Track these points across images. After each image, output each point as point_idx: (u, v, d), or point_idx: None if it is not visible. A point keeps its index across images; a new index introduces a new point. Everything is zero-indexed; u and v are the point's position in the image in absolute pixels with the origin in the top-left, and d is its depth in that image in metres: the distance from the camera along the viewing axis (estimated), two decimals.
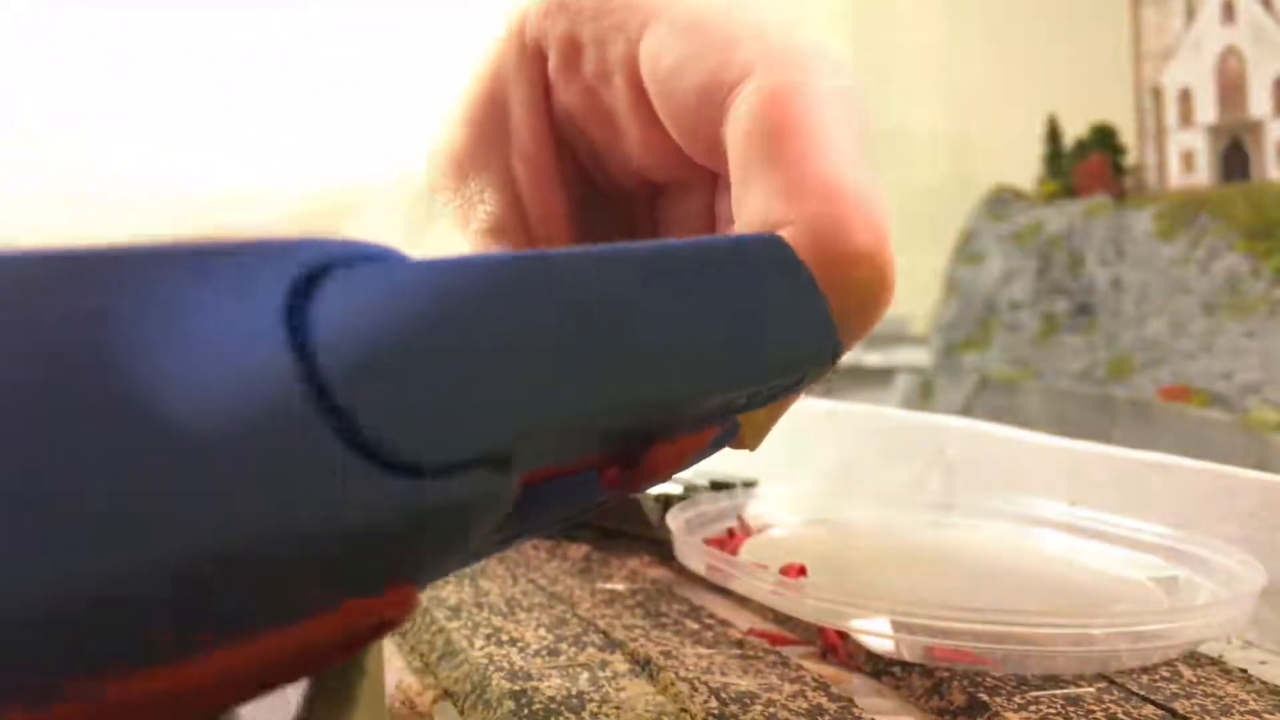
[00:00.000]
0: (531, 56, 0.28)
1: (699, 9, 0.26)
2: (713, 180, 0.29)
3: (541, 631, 0.45)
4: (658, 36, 0.26)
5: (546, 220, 0.29)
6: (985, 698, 0.37)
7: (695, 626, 0.46)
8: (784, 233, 0.23)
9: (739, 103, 0.24)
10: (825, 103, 0.24)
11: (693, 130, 0.26)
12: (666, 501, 0.60)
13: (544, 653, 0.42)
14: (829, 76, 0.24)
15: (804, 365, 0.25)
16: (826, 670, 0.42)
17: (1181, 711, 0.36)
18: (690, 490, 0.66)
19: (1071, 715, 0.36)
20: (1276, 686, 0.39)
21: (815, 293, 0.23)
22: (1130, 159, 4.64)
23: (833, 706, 0.37)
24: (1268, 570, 0.43)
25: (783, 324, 0.23)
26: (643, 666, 0.41)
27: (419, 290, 0.15)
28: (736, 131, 0.24)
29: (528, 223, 0.29)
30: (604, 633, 0.45)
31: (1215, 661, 0.41)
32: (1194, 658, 0.41)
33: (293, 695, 0.20)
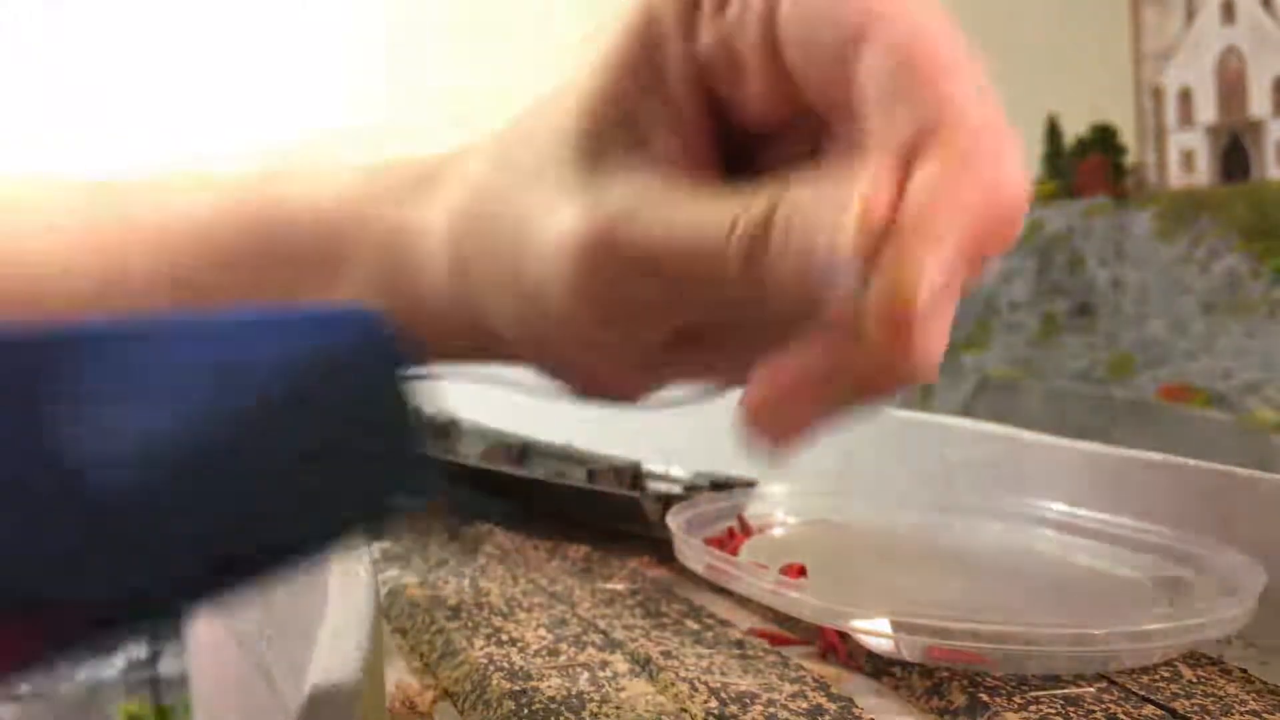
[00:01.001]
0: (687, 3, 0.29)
1: None
2: (815, 133, 0.30)
3: (541, 631, 0.45)
4: None
5: (691, 165, 0.30)
6: (985, 698, 0.37)
7: (695, 626, 0.46)
8: (933, 160, 0.24)
9: (878, 38, 0.25)
10: (958, 42, 0.26)
11: (822, 69, 0.26)
12: (666, 501, 0.60)
13: (544, 653, 0.42)
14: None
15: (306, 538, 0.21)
16: (826, 670, 0.42)
17: (1181, 711, 0.36)
18: (690, 490, 0.66)
19: (1071, 715, 0.36)
20: (1276, 686, 0.39)
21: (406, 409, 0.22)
22: (1130, 159, 4.64)
23: (833, 706, 0.37)
24: (1268, 570, 0.43)
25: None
26: (643, 666, 0.41)
27: None
28: (879, 65, 0.25)
29: (680, 158, 0.30)
30: (604, 633, 0.45)
31: (1215, 661, 0.41)
32: (1194, 658, 0.41)
33: (291, 698, 0.20)
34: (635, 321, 0.30)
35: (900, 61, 0.25)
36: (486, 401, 1.19)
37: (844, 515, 0.58)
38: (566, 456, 0.83)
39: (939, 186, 0.24)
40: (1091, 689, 0.38)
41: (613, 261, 0.28)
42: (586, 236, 0.28)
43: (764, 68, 0.28)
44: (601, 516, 0.64)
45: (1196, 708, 0.36)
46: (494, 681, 0.39)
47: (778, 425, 0.30)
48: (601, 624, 0.46)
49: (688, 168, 0.29)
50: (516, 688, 0.38)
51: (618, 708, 0.37)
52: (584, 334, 0.30)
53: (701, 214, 0.27)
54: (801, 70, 0.27)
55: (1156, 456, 0.55)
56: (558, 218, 0.29)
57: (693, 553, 0.47)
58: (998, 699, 0.37)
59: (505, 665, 0.41)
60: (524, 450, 0.87)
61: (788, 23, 0.27)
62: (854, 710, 0.37)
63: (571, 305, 0.29)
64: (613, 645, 0.43)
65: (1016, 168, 0.25)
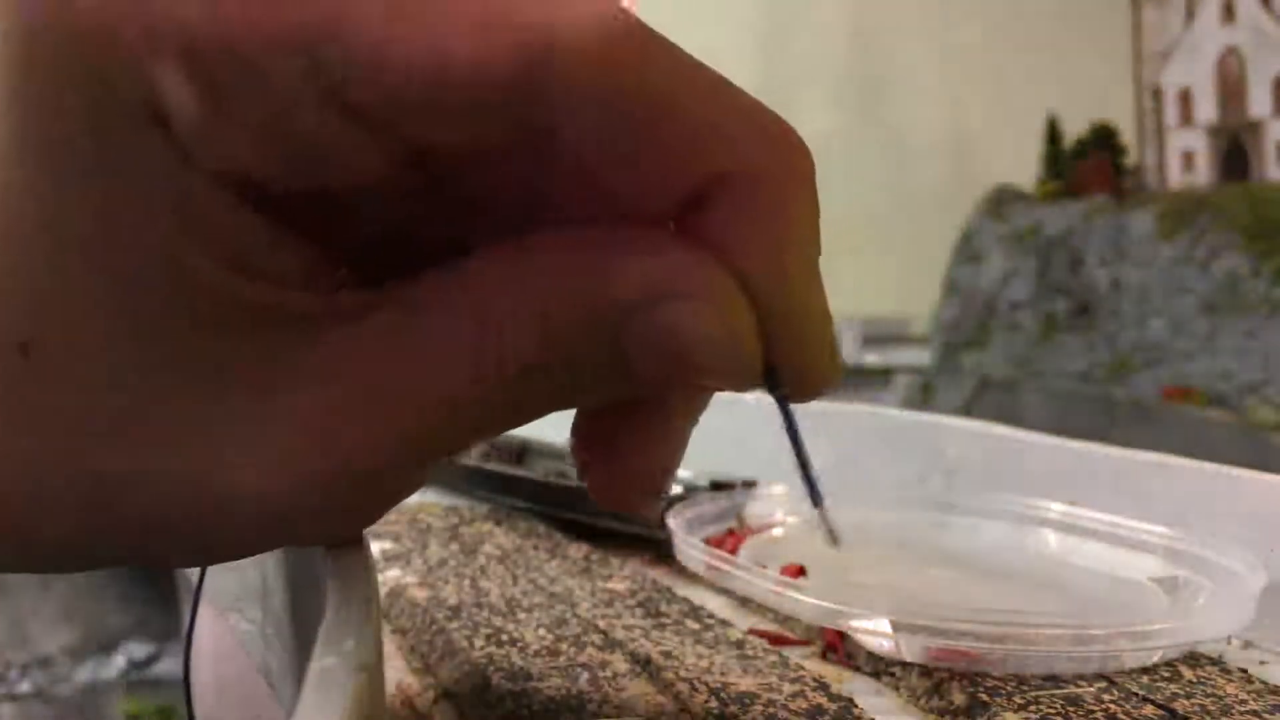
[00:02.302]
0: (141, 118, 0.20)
1: None
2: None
3: (541, 631, 0.45)
4: None
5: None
6: (985, 698, 0.37)
7: (695, 626, 0.46)
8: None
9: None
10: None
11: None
12: (667, 502, 0.60)
13: (544, 653, 0.42)
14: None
15: None
16: (826, 670, 0.42)
17: (1181, 711, 0.36)
18: (690, 490, 0.66)
19: (1071, 715, 0.36)
20: (1276, 686, 0.39)
21: None
22: (1130, 159, 4.64)
23: (833, 706, 0.37)
24: (1268, 570, 0.43)
25: None
26: (643, 666, 0.41)
27: None
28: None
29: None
30: (604, 633, 0.45)
31: (1215, 661, 0.41)
32: (1194, 658, 0.41)
33: (291, 698, 0.20)
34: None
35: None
36: None
37: (844, 515, 0.58)
38: (566, 456, 0.83)
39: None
40: (1091, 689, 0.38)
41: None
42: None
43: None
44: (601, 516, 0.64)
45: (1196, 708, 0.36)
46: (494, 681, 0.39)
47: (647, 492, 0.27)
48: (601, 624, 0.46)
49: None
50: (516, 688, 0.38)
51: (618, 708, 0.37)
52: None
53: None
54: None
55: (1156, 456, 0.55)
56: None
57: (693, 553, 0.47)
58: (998, 699, 0.37)
59: (505, 665, 0.41)
60: (524, 450, 0.87)
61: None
62: (854, 710, 0.37)
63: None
64: (613, 645, 0.43)
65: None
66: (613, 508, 0.26)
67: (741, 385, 0.22)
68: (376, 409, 0.22)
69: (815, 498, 0.23)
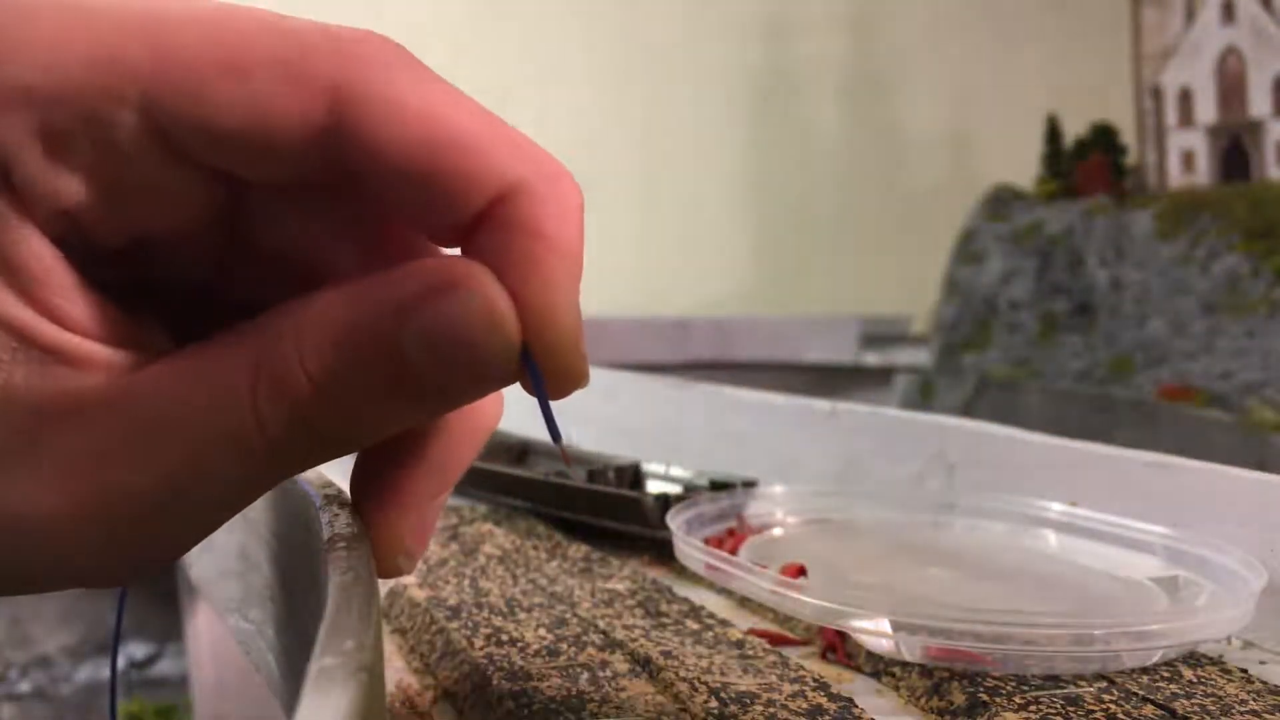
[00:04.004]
0: None
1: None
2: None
3: (541, 631, 0.45)
4: None
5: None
6: (985, 698, 0.37)
7: (695, 626, 0.46)
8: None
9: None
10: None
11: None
12: (666, 501, 0.60)
13: (544, 653, 0.42)
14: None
15: None
16: (826, 670, 0.42)
17: (1181, 711, 0.36)
18: (690, 490, 0.66)
19: (1071, 715, 0.36)
20: (1276, 686, 0.39)
21: None
22: (1130, 159, 4.64)
23: (833, 706, 0.37)
24: (1268, 570, 0.43)
25: None
26: (643, 666, 0.41)
27: None
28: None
29: None
30: (604, 633, 0.45)
31: (1215, 661, 0.41)
32: (1194, 658, 0.41)
33: (291, 698, 0.21)
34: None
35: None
36: None
37: (844, 515, 0.59)
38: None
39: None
40: (1091, 689, 0.38)
41: None
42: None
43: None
44: (601, 516, 0.64)
45: (1196, 708, 0.36)
46: (494, 681, 0.39)
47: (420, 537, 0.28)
48: (601, 624, 0.46)
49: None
50: (516, 688, 0.38)
51: (618, 708, 0.37)
52: None
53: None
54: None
55: (1156, 456, 0.55)
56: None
57: (693, 553, 0.47)
58: (998, 699, 0.37)
59: (505, 665, 0.41)
60: (524, 450, 0.87)
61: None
62: (854, 710, 0.37)
63: None
64: (613, 645, 0.43)
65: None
66: (380, 570, 0.28)
67: (502, 377, 0.24)
68: (146, 449, 0.23)
69: (554, 435, 0.25)
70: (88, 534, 0.24)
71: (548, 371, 0.24)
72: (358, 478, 0.28)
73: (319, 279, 0.25)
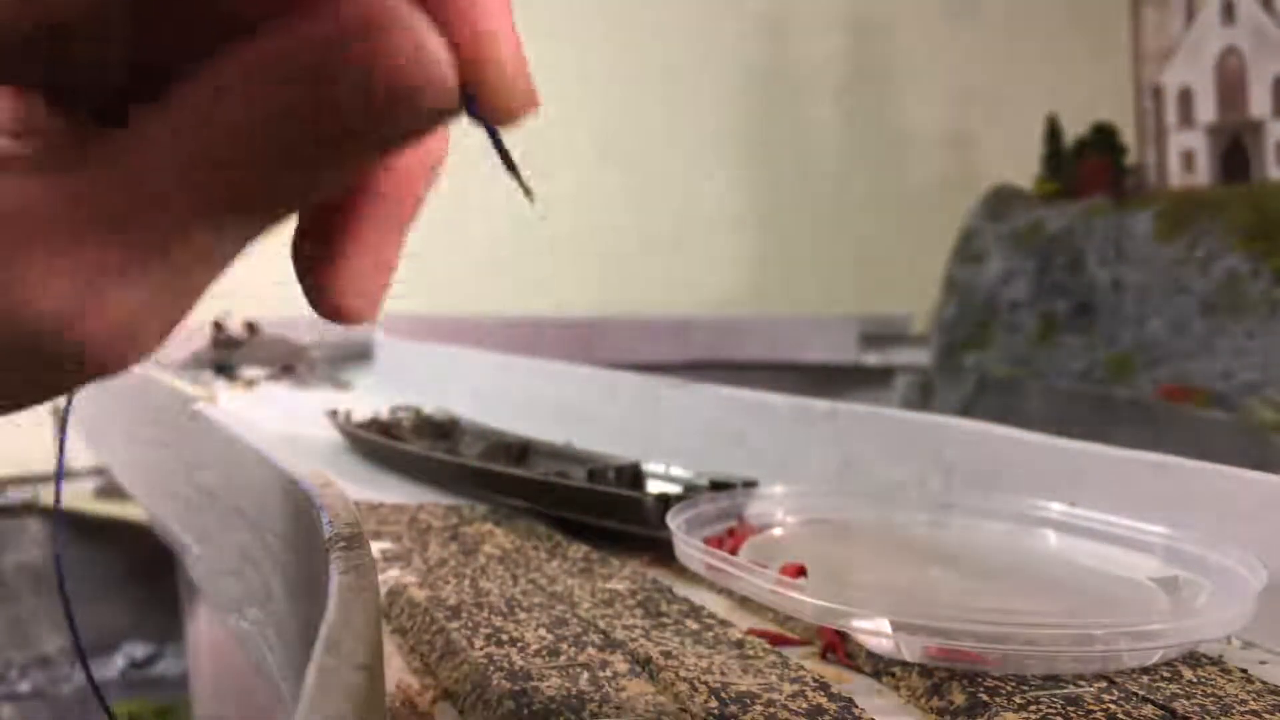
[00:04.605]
0: None
1: None
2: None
3: (541, 631, 0.45)
4: None
5: None
6: (985, 698, 0.37)
7: (695, 626, 0.46)
8: None
9: None
10: None
11: None
12: (666, 501, 0.60)
13: (544, 653, 0.42)
14: None
15: None
16: (826, 670, 0.42)
17: (1181, 711, 0.36)
18: (690, 490, 0.66)
19: (1071, 715, 0.36)
20: (1276, 686, 0.39)
21: None
22: (1130, 159, 4.65)
23: (833, 706, 0.37)
24: (1268, 570, 0.43)
25: None
26: (643, 666, 0.41)
27: None
28: None
29: None
30: (604, 633, 0.45)
31: (1215, 661, 0.41)
32: (1194, 658, 0.41)
33: (291, 698, 0.20)
34: None
35: None
36: (487, 401, 1.19)
37: (844, 515, 0.59)
38: (566, 456, 0.83)
39: None
40: (1091, 689, 0.38)
41: None
42: None
43: None
44: (601, 516, 0.64)
45: (1196, 708, 0.36)
46: (494, 681, 0.39)
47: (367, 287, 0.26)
48: (601, 624, 0.46)
49: None
50: (516, 688, 0.38)
51: (618, 708, 0.37)
52: None
53: None
54: None
55: (1156, 456, 0.55)
56: None
57: (693, 553, 0.47)
58: (998, 699, 0.37)
59: (505, 665, 0.41)
60: (524, 450, 0.87)
61: None
62: (854, 710, 0.37)
63: None
64: (613, 645, 0.43)
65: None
66: (335, 313, 0.26)
67: (440, 113, 0.22)
68: (70, 241, 0.22)
69: (508, 164, 0.23)
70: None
71: (492, 99, 0.22)
72: (301, 226, 0.26)
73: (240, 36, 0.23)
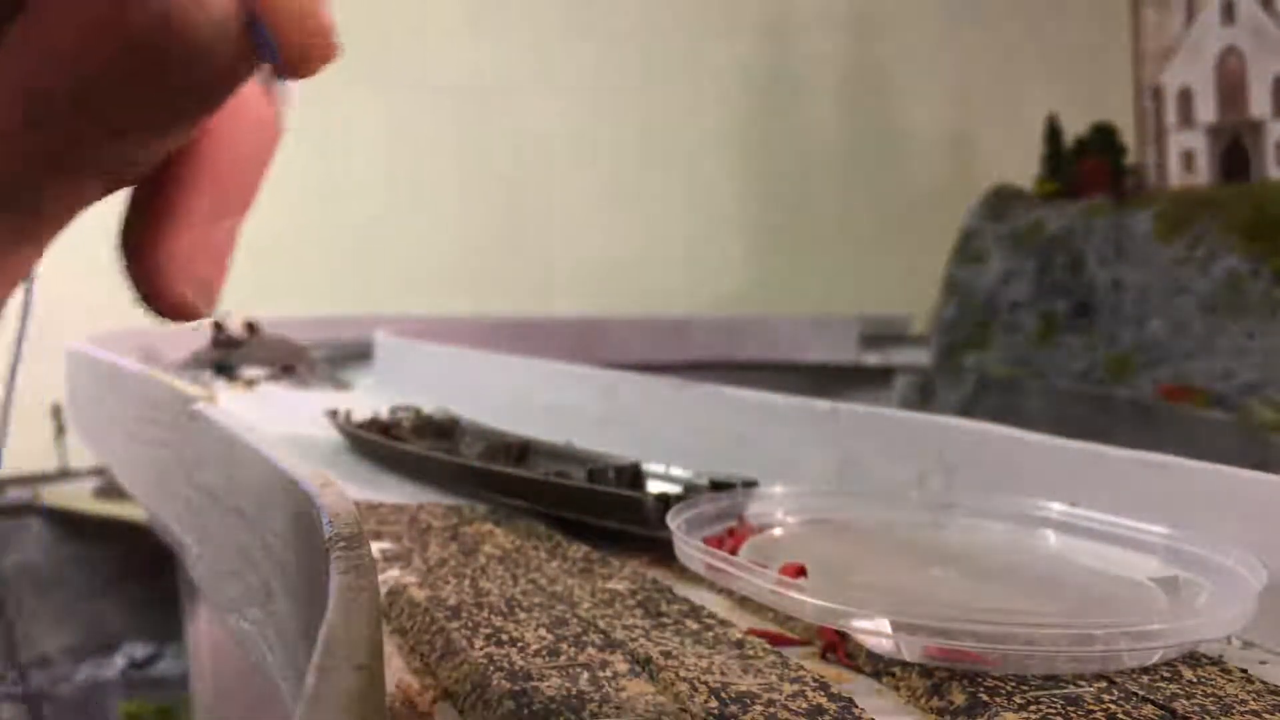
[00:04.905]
0: None
1: None
2: None
3: (541, 631, 0.45)
4: None
5: None
6: (985, 698, 0.37)
7: (695, 626, 0.46)
8: None
9: None
10: None
11: None
12: (666, 501, 0.60)
13: (544, 653, 0.42)
14: None
15: None
16: (827, 670, 0.42)
17: (1181, 711, 0.36)
18: (690, 490, 0.66)
19: (1071, 715, 0.36)
20: (1276, 686, 0.39)
21: None
22: (1130, 159, 4.64)
23: (833, 706, 0.37)
24: (1268, 570, 0.43)
25: None
26: (643, 666, 0.41)
27: None
28: None
29: None
30: (604, 633, 0.45)
31: (1215, 661, 0.41)
32: (1194, 658, 0.41)
33: (291, 698, 0.20)
34: None
35: None
36: (487, 401, 1.19)
37: (844, 515, 0.59)
38: (566, 456, 0.83)
39: None
40: (1091, 689, 0.38)
41: None
42: None
43: None
44: (601, 516, 0.65)
45: (1196, 708, 0.36)
46: (494, 681, 0.39)
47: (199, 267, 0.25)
48: (601, 624, 0.46)
49: None
50: (516, 688, 0.38)
51: (618, 708, 0.37)
52: None
53: None
54: None
55: (1156, 456, 0.55)
56: None
57: (693, 553, 0.47)
58: (998, 699, 0.37)
59: (505, 665, 0.41)
60: (524, 450, 0.87)
61: None
62: (854, 710, 0.37)
63: None
64: (613, 645, 0.43)
65: None
66: (160, 300, 0.25)
67: (229, 59, 0.22)
68: None
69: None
70: None
71: (284, 43, 0.22)
72: (127, 214, 0.26)
73: None
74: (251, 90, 0.24)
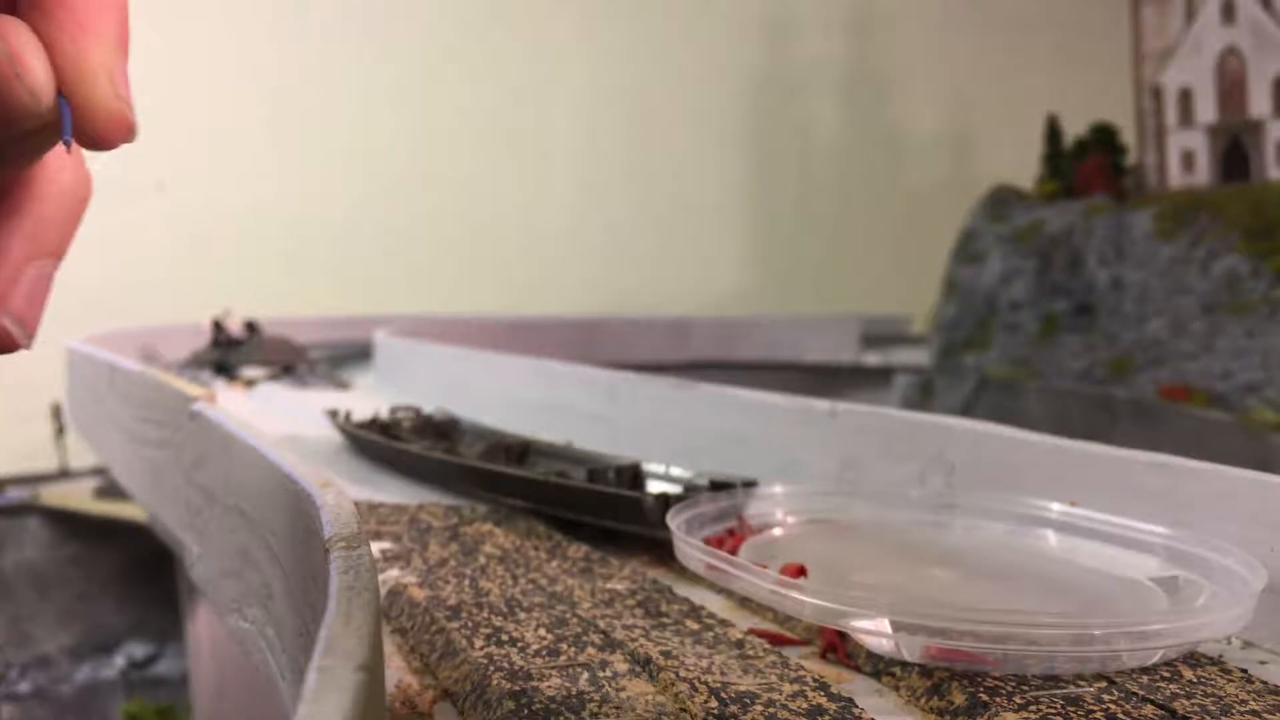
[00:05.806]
0: None
1: None
2: None
3: (541, 631, 0.45)
4: None
5: None
6: (985, 698, 0.37)
7: (695, 626, 0.46)
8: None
9: None
10: None
11: None
12: (666, 501, 0.60)
13: (544, 653, 0.42)
14: None
15: None
16: (826, 670, 0.42)
17: (1181, 711, 0.36)
18: (690, 490, 0.66)
19: (1071, 715, 0.36)
20: (1276, 686, 0.39)
21: None
22: (1130, 159, 4.64)
23: (833, 706, 0.37)
24: (1268, 570, 0.43)
25: None
26: (643, 666, 0.41)
27: None
28: None
29: None
30: (604, 633, 0.45)
31: (1215, 661, 0.41)
32: (1194, 658, 0.41)
33: (291, 698, 0.20)
34: None
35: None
36: (487, 401, 1.18)
37: (844, 515, 0.59)
38: (566, 456, 0.83)
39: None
40: (1091, 689, 0.38)
41: None
42: None
43: None
44: (601, 516, 0.64)
45: (1196, 708, 0.36)
46: (494, 681, 0.39)
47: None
48: (601, 624, 0.46)
49: None
50: (516, 688, 0.38)
51: (618, 708, 0.37)
52: None
53: None
54: None
55: (1156, 456, 0.55)
56: None
57: (693, 553, 0.47)
58: (998, 699, 0.37)
59: (505, 665, 0.41)
60: (524, 450, 0.87)
61: None
62: (854, 710, 0.37)
63: None
64: (613, 645, 0.43)
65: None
66: None
67: (35, 121, 0.25)
68: None
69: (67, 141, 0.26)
70: None
71: (82, 115, 0.25)
72: None
73: None
74: (68, 152, 0.27)
